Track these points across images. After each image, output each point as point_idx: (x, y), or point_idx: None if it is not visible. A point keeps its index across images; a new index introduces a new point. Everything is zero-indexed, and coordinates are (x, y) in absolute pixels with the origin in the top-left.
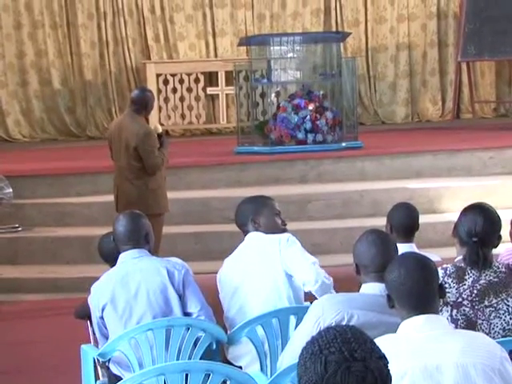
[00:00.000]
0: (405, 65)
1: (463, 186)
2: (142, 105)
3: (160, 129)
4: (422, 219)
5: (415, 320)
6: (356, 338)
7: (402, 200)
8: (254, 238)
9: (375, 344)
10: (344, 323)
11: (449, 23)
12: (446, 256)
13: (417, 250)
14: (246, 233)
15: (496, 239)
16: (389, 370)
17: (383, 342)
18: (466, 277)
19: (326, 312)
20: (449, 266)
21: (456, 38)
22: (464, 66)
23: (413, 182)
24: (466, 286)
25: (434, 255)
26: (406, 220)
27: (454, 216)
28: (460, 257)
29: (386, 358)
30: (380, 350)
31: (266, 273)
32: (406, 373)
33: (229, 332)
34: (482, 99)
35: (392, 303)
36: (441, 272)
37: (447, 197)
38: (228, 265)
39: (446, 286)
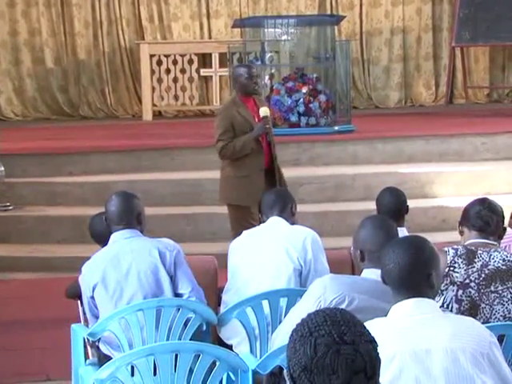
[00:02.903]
0: (399, 49)
1: (455, 172)
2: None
3: (264, 112)
4: (414, 204)
5: (405, 304)
6: (346, 321)
7: (394, 184)
8: (276, 224)
9: (365, 327)
10: (344, 306)
11: (443, 8)
12: (437, 241)
13: (407, 234)
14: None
15: (501, 230)
16: (378, 354)
17: (373, 326)
18: (476, 260)
19: (328, 291)
20: (460, 247)
21: (450, 22)
22: (458, 51)
23: (405, 166)
24: (474, 269)
25: None
26: (392, 204)
27: (445, 201)
28: (472, 240)
29: (375, 342)
30: (369, 334)
31: (274, 262)
32: (395, 356)
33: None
34: (475, 84)
35: (383, 280)
36: (452, 251)
37: (439, 182)
38: (241, 243)
39: (456, 265)
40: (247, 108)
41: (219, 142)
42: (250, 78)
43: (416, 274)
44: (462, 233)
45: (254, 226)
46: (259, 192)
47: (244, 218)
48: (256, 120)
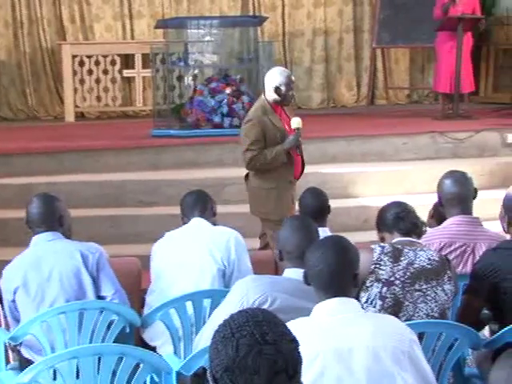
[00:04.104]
0: (321, 50)
1: (376, 172)
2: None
3: (297, 123)
4: (337, 204)
5: (328, 303)
6: (268, 321)
7: (317, 184)
8: (198, 224)
9: (287, 327)
10: (267, 306)
11: (364, 10)
12: (359, 240)
13: (329, 234)
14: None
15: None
16: (299, 353)
17: (295, 326)
18: (402, 258)
19: (250, 292)
20: (386, 244)
21: (371, 24)
22: (379, 53)
23: (327, 166)
24: (400, 267)
25: None
26: (314, 204)
27: (367, 201)
28: (398, 238)
29: (297, 341)
30: (291, 333)
31: (198, 263)
32: (317, 356)
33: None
34: (395, 85)
35: (307, 280)
36: (378, 249)
37: (361, 182)
38: (164, 244)
39: (381, 263)
40: (278, 116)
41: (248, 152)
42: (290, 88)
43: (345, 275)
44: (382, 239)
45: None
46: (288, 205)
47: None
48: (286, 128)
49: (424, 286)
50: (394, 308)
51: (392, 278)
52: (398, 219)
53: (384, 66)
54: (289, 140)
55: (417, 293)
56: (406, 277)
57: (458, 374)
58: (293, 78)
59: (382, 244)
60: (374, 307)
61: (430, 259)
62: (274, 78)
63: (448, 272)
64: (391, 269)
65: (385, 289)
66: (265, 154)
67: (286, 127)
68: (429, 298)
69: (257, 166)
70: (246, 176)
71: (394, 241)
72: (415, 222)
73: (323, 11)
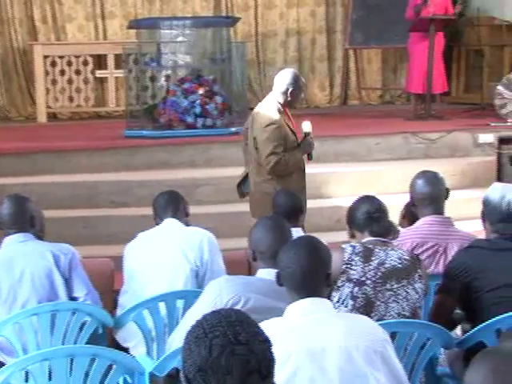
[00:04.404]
0: (294, 50)
1: (349, 172)
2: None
3: (308, 127)
4: (310, 204)
5: (300, 303)
6: (240, 321)
7: None
8: (171, 225)
9: (259, 327)
10: (240, 306)
11: (337, 10)
12: (332, 240)
13: (302, 234)
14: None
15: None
16: (272, 353)
17: (268, 326)
18: (373, 258)
19: (223, 292)
20: (357, 244)
21: (344, 25)
22: (351, 53)
23: None
24: (371, 267)
25: None
26: (287, 205)
27: (340, 201)
28: (368, 238)
29: (269, 341)
30: (264, 334)
31: (171, 263)
32: (290, 356)
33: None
34: (368, 86)
35: (280, 281)
36: (349, 249)
37: (334, 182)
38: (137, 245)
39: (352, 263)
40: (287, 118)
41: (272, 156)
42: (303, 91)
43: (317, 275)
44: (353, 236)
45: None
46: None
47: None
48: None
49: (395, 286)
50: (366, 308)
51: (363, 278)
52: (370, 220)
53: (357, 67)
54: (305, 144)
55: (388, 292)
56: (378, 277)
57: (430, 374)
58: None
59: (352, 244)
60: (346, 307)
61: (400, 259)
62: (288, 79)
63: (419, 271)
64: (362, 269)
65: (356, 289)
66: (287, 159)
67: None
68: (400, 297)
69: (279, 171)
70: (240, 183)
71: (364, 240)
72: (388, 227)
73: (296, 12)
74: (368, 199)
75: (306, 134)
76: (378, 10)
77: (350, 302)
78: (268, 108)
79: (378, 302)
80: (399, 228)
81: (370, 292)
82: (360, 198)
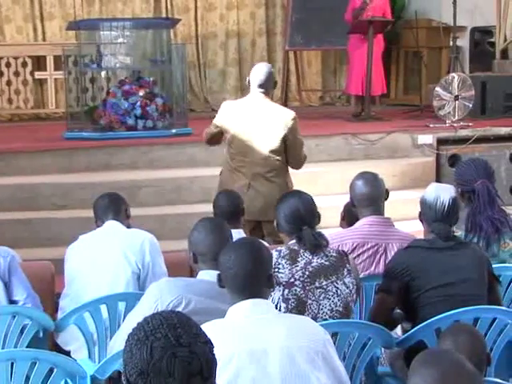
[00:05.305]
0: (234, 52)
1: (291, 173)
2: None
3: None
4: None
5: (242, 305)
6: (182, 323)
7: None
8: (112, 227)
9: (201, 329)
10: (181, 308)
11: (277, 12)
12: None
13: (244, 236)
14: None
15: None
16: (214, 355)
17: (210, 328)
18: (299, 259)
19: (164, 295)
20: (283, 248)
21: (283, 27)
22: (291, 55)
23: None
24: (298, 268)
25: None
26: (228, 206)
27: None
28: (293, 240)
29: (211, 343)
30: (205, 335)
31: (112, 266)
32: (232, 357)
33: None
34: (308, 88)
35: (222, 283)
36: (275, 254)
37: None
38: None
39: (280, 266)
40: None
41: (304, 151)
42: None
43: (260, 276)
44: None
45: None
46: None
47: None
48: None
49: (324, 283)
50: (299, 308)
51: (292, 280)
52: (299, 232)
53: (297, 69)
54: None
55: (318, 290)
56: (306, 276)
57: (370, 373)
58: None
59: (278, 248)
60: (280, 310)
61: (327, 256)
62: (270, 73)
63: (347, 265)
64: (290, 271)
65: (286, 291)
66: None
67: None
68: (330, 293)
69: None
70: (250, 184)
71: (290, 242)
72: (317, 244)
73: (236, 14)
74: (295, 206)
75: None
76: (317, 12)
77: (283, 305)
78: (276, 104)
79: (310, 301)
80: (340, 227)
81: (300, 292)
82: (288, 201)
